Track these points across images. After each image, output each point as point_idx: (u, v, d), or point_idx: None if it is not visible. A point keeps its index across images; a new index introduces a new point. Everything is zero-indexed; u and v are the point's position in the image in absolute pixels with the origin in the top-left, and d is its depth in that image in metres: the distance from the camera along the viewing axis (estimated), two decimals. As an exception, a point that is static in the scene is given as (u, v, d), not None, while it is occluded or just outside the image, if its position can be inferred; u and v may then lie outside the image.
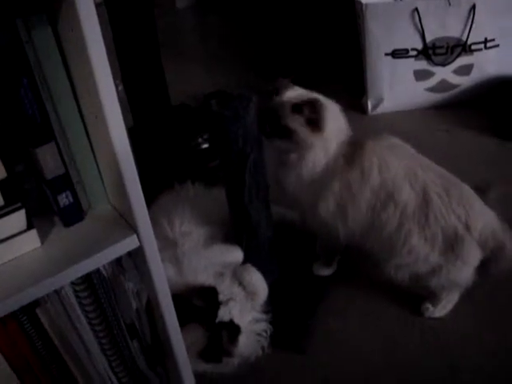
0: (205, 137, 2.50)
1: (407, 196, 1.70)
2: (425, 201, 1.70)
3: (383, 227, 1.74)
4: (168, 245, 1.79)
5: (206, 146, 2.52)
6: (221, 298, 1.66)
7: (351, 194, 1.74)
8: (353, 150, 1.74)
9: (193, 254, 1.76)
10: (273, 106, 1.72)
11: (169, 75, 2.54)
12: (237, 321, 1.67)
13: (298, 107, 1.68)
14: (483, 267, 1.77)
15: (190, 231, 1.84)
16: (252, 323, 1.76)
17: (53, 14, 0.99)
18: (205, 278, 1.71)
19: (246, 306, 1.75)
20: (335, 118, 1.74)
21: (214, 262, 1.78)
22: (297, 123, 1.69)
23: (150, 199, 1.90)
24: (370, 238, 1.80)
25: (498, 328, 1.86)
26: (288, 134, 1.71)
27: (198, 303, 1.61)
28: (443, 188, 1.71)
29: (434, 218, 1.69)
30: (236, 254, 1.83)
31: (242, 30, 4.00)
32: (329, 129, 1.71)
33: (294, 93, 1.74)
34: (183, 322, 1.46)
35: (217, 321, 1.63)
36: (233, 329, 1.65)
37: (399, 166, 1.72)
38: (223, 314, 1.65)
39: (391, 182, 1.71)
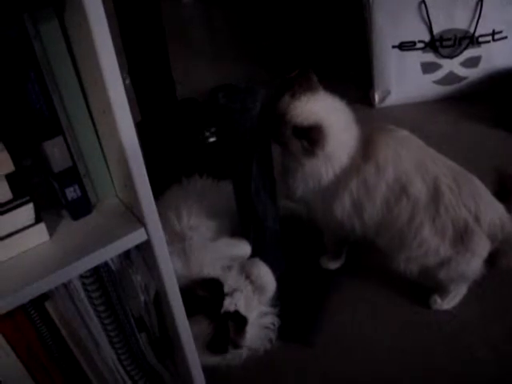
0: (212, 130, 2.51)
1: (419, 189, 1.70)
2: (436, 193, 1.69)
3: (395, 220, 1.74)
4: (176, 238, 1.79)
5: (213, 139, 2.52)
6: (226, 289, 1.66)
7: (367, 191, 1.73)
8: (366, 146, 1.73)
9: (200, 247, 1.76)
10: (280, 111, 1.70)
11: (175, 69, 2.54)
12: (243, 311, 1.67)
13: (297, 132, 1.66)
14: (491, 259, 1.78)
15: (197, 225, 1.84)
16: (259, 317, 1.77)
17: (60, 8, 0.99)
18: (211, 270, 1.71)
19: (254, 299, 1.75)
20: (339, 136, 1.70)
21: (221, 255, 1.78)
22: (293, 145, 1.69)
23: (158, 193, 1.91)
24: (382, 231, 1.80)
25: (505, 321, 1.86)
26: (285, 147, 1.72)
27: (203, 294, 1.62)
28: (453, 180, 1.70)
29: (444, 210, 1.69)
30: (244, 248, 1.84)
31: (248, 23, 4.00)
32: (328, 150, 1.68)
33: (304, 106, 1.67)
34: (188, 314, 1.46)
35: (222, 311, 1.64)
36: (239, 319, 1.66)
37: (411, 159, 1.72)
38: (228, 305, 1.65)
39: (404, 176, 1.70)
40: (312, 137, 1.65)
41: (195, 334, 1.42)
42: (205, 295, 1.62)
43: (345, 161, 1.71)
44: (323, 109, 1.69)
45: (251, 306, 1.73)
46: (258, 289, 1.76)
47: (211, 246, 1.79)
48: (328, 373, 1.78)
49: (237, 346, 1.65)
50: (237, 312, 1.66)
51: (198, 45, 3.92)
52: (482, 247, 1.73)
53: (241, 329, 1.66)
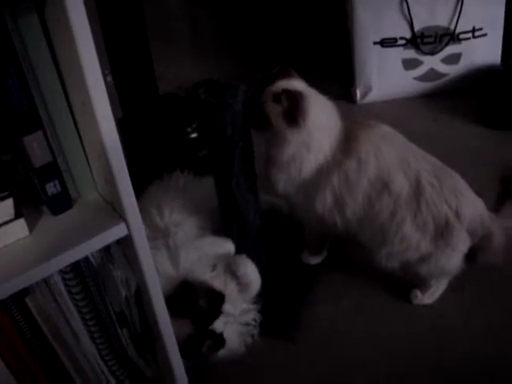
0: (194, 126, 2.50)
1: (401, 185, 1.71)
2: (417, 189, 1.71)
3: (377, 216, 1.75)
4: (159, 234, 1.79)
5: (195, 135, 2.52)
6: (224, 307, 1.66)
7: (349, 186, 1.74)
8: (348, 141, 1.73)
9: (185, 246, 1.76)
10: (260, 93, 1.70)
11: (158, 65, 2.54)
12: (226, 336, 1.67)
13: (278, 97, 1.65)
14: (471, 255, 1.79)
15: (181, 221, 1.84)
16: (241, 314, 1.77)
17: (39, 2, 0.99)
18: (201, 271, 1.71)
19: (238, 298, 1.75)
20: (320, 114, 1.70)
21: (207, 254, 1.78)
22: (274, 113, 1.67)
23: (140, 189, 1.91)
24: (363, 227, 1.80)
25: (484, 315, 1.87)
26: (266, 124, 1.69)
27: (203, 304, 1.62)
28: (435, 176, 1.72)
29: (425, 206, 1.70)
30: (228, 247, 1.83)
31: (230, 20, 3.99)
32: (309, 124, 1.68)
33: (286, 83, 1.70)
34: (175, 314, 1.46)
35: (209, 328, 1.64)
36: (219, 342, 1.66)
37: (393, 155, 1.73)
38: (218, 326, 1.65)
39: (386, 171, 1.71)
40: (293, 95, 1.64)
41: (174, 333, 1.41)
42: (204, 306, 1.62)
43: (326, 150, 1.72)
44: (304, 87, 1.72)
45: (235, 305, 1.73)
46: (243, 286, 1.76)
47: (196, 245, 1.79)
48: (310, 368, 1.79)
49: (205, 359, 1.66)
50: (221, 335, 1.66)
51: (181, 41, 3.91)
52: (462, 243, 1.75)
53: (216, 349, 1.66)
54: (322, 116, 1.71)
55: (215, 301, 1.64)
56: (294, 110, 1.65)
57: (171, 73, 3.13)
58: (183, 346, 1.55)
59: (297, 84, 1.72)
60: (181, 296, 1.61)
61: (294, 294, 1.97)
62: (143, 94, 2.50)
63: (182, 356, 1.52)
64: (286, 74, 1.71)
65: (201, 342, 1.62)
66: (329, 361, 1.80)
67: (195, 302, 1.61)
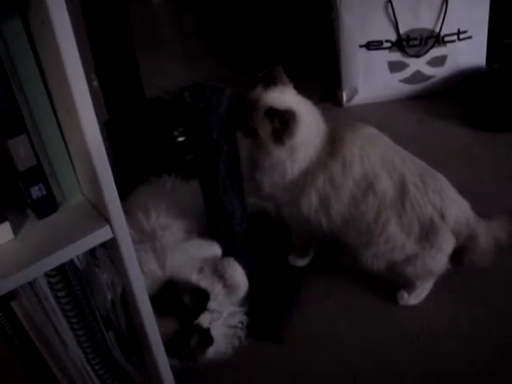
0: (180, 130, 2.50)
1: (386, 186, 1.72)
2: (402, 190, 1.72)
3: (362, 217, 1.76)
4: (145, 237, 1.79)
5: (182, 139, 2.52)
6: (210, 305, 1.67)
7: (334, 187, 1.74)
8: (333, 143, 1.74)
9: (175, 248, 1.76)
10: (252, 99, 1.70)
11: (145, 69, 2.54)
12: (213, 333, 1.67)
13: (271, 113, 1.66)
14: (456, 256, 1.80)
15: (167, 224, 1.84)
16: (228, 317, 1.77)
17: (23, 6, 0.99)
18: (188, 273, 1.71)
19: (225, 301, 1.75)
20: (307, 130, 1.71)
21: (194, 257, 1.78)
22: (264, 128, 1.67)
23: (127, 192, 1.91)
24: (349, 227, 1.81)
25: (471, 315, 1.88)
26: (253, 133, 1.70)
27: (187, 300, 1.62)
28: (419, 177, 1.73)
29: (410, 207, 1.72)
30: (214, 250, 1.84)
31: (217, 23, 4.00)
32: (296, 142, 1.69)
33: (280, 96, 1.69)
34: (160, 313, 1.46)
35: (195, 322, 1.64)
36: (206, 337, 1.66)
37: (378, 156, 1.74)
38: (204, 320, 1.65)
39: (371, 173, 1.72)
40: (286, 117, 1.64)
41: (160, 332, 1.41)
42: (188, 303, 1.62)
43: (310, 156, 1.72)
44: (296, 101, 1.72)
45: (222, 307, 1.73)
46: (231, 288, 1.76)
47: (182, 247, 1.79)
48: (297, 370, 1.79)
49: (194, 358, 1.65)
50: (207, 330, 1.66)
51: (167, 45, 3.91)
52: (447, 243, 1.76)
53: (204, 346, 1.66)
54: (309, 131, 1.72)
55: (200, 297, 1.64)
56: (283, 131, 1.66)
57: (159, 77, 3.14)
58: (170, 344, 1.55)
59: (288, 98, 1.71)
60: (165, 294, 1.61)
61: (280, 296, 1.98)
62: (130, 98, 2.50)
63: (171, 355, 1.52)
64: (274, 76, 1.71)
65: (187, 337, 1.62)
66: (316, 363, 1.80)
67: (180, 298, 1.61)
